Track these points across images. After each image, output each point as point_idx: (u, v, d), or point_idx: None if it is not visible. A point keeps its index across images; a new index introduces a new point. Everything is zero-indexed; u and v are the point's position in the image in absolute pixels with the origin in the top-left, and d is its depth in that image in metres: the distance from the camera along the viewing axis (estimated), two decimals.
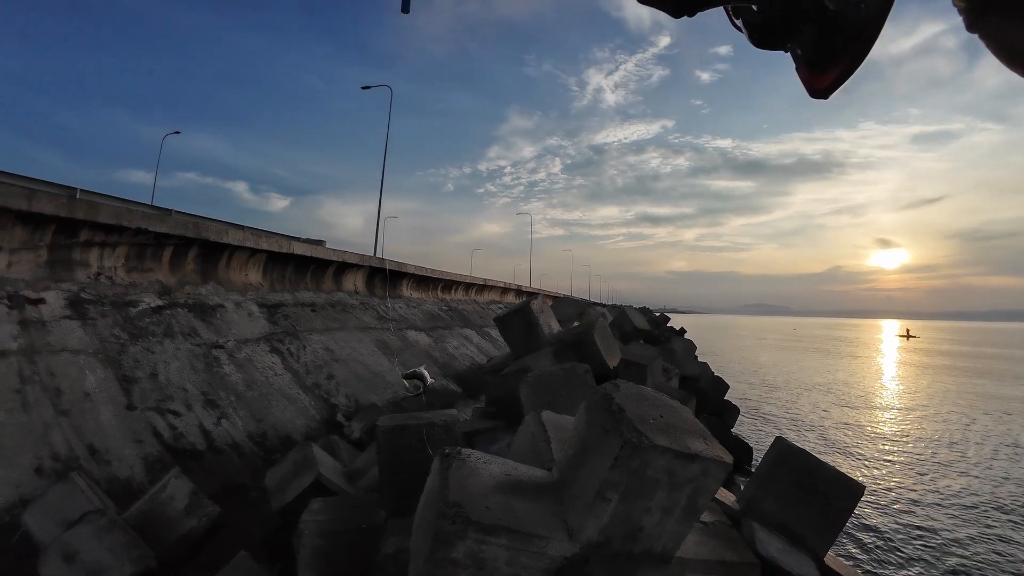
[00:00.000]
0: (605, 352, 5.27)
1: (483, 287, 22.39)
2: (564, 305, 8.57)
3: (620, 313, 8.74)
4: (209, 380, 6.60)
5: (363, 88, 22.99)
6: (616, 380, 2.31)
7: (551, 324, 5.68)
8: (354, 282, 13.00)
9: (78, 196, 11.08)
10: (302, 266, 11.05)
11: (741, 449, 9.55)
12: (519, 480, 2.15)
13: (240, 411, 6.39)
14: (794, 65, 0.84)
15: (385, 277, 14.05)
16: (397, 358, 10.65)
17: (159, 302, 7.39)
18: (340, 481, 3.86)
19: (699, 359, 18.24)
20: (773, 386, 22.66)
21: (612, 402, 2.04)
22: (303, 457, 4.07)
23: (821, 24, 0.77)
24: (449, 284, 18.82)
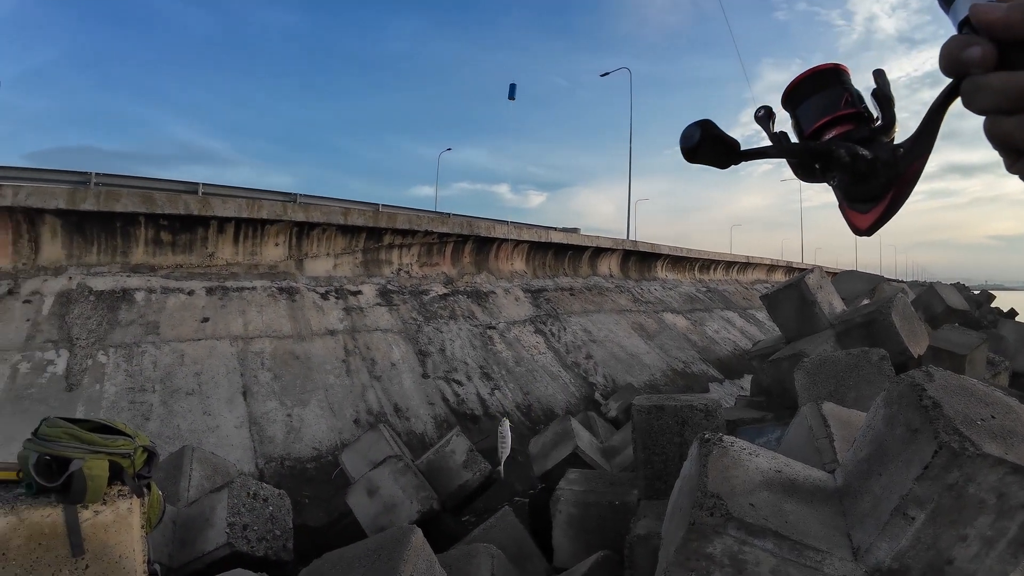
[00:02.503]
0: (907, 336, 4.29)
1: (746, 265, 20.56)
2: (849, 279, 7.29)
3: (927, 290, 7.04)
4: (485, 356, 7.44)
5: (602, 75, 23.04)
6: (928, 368, 1.82)
7: (832, 302, 4.86)
8: (608, 266, 13.21)
9: (380, 210, 13.57)
10: (560, 253, 11.65)
11: None
12: (792, 479, 1.86)
13: (510, 384, 7.05)
14: (837, 203, 0.80)
15: (638, 260, 13.95)
16: (654, 341, 10.49)
17: (444, 290, 8.60)
18: (596, 456, 3.95)
19: None
20: None
21: (924, 395, 1.60)
22: (563, 429, 4.28)
23: (856, 170, 0.73)
24: (707, 264, 17.77)
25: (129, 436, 1.55)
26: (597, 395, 7.63)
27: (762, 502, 1.69)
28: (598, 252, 12.67)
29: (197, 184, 11.86)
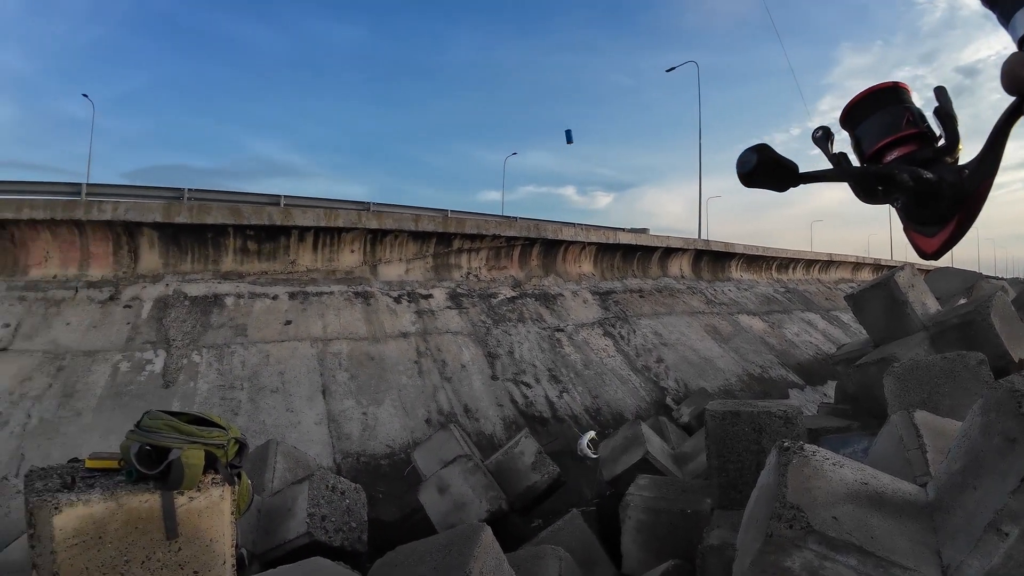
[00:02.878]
0: (1007, 339, 3.90)
1: (828, 263, 19.37)
2: (944, 277, 6.71)
3: None
4: (553, 359, 7.43)
5: (667, 71, 22.46)
6: None
7: (925, 302, 4.50)
8: (679, 266, 12.86)
9: (449, 215, 13.89)
10: (629, 254, 11.47)
11: None
12: (879, 492, 1.74)
13: (578, 387, 7.01)
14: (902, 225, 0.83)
15: (711, 259, 13.48)
16: (728, 344, 10.10)
17: (512, 293, 8.67)
18: (667, 462, 3.86)
19: None
20: None
21: (1023, 401, 1.47)
22: (633, 434, 4.21)
23: (920, 193, 0.72)
24: (785, 263, 16.91)
25: (223, 428, 1.68)
26: (668, 400, 7.44)
27: (846, 515, 1.60)
28: (668, 252, 12.36)
29: (279, 196, 12.64)
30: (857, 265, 21.46)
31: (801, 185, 0.79)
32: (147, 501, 1.58)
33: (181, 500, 1.58)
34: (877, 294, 4.60)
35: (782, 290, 15.34)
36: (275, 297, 6.76)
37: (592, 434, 3.92)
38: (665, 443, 4.49)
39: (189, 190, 11.55)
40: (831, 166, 0.85)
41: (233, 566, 1.69)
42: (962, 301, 5.21)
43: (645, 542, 2.73)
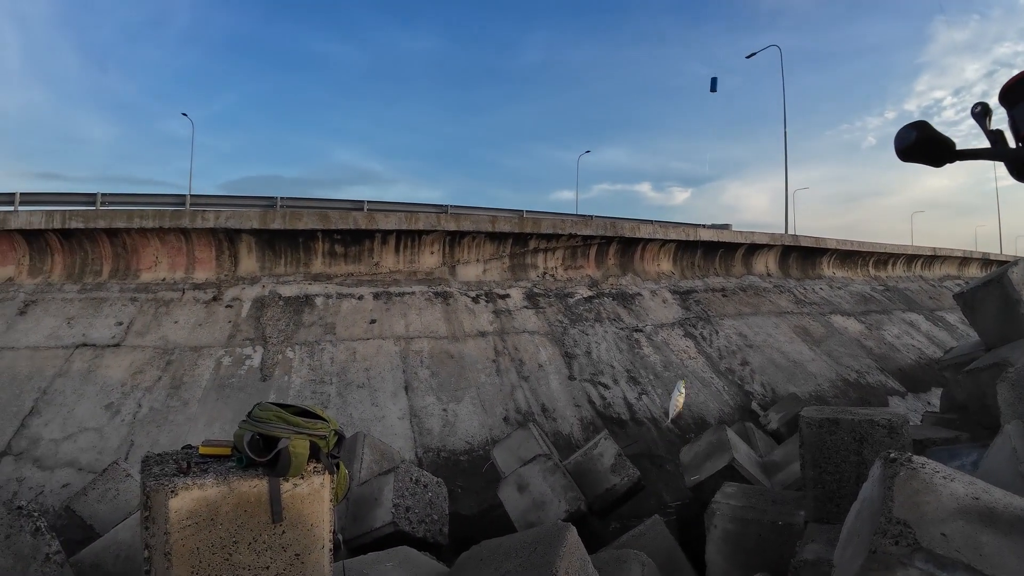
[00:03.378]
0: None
1: (931, 259, 17.74)
2: None
3: None
4: (631, 359, 7.32)
5: (747, 57, 21.33)
6: None
7: None
8: (765, 264, 12.26)
9: (524, 216, 13.98)
10: (710, 251, 11.07)
11: None
12: (991, 508, 1.60)
13: (658, 389, 6.86)
14: None
15: (799, 256, 12.75)
16: (820, 347, 9.52)
17: (589, 293, 8.61)
18: (754, 470, 3.70)
19: None
20: None
21: None
22: (718, 439, 4.07)
23: None
24: (883, 258, 15.68)
25: (326, 420, 1.80)
26: (754, 405, 7.12)
27: (955, 532, 1.48)
28: (752, 249, 11.82)
29: (363, 202, 13.24)
30: (964, 260, 19.53)
31: (958, 161, 0.80)
32: (256, 486, 1.71)
33: (286, 487, 1.70)
34: (989, 292, 4.18)
35: (880, 288, 14.24)
36: (360, 297, 7.09)
37: (682, 386, 3.62)
38: (752, 450, 4.30)
39: (281, 198, 12.35)
40: (987, 143, 0.83)
41: (330, 550, 1.81)
42: None
43: (731, 553, 2.64)
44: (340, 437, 1.85)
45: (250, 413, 1.85)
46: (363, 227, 7.45)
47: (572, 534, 1.73)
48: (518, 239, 8.37)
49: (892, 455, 1.73)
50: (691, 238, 10.49)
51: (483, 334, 6.92)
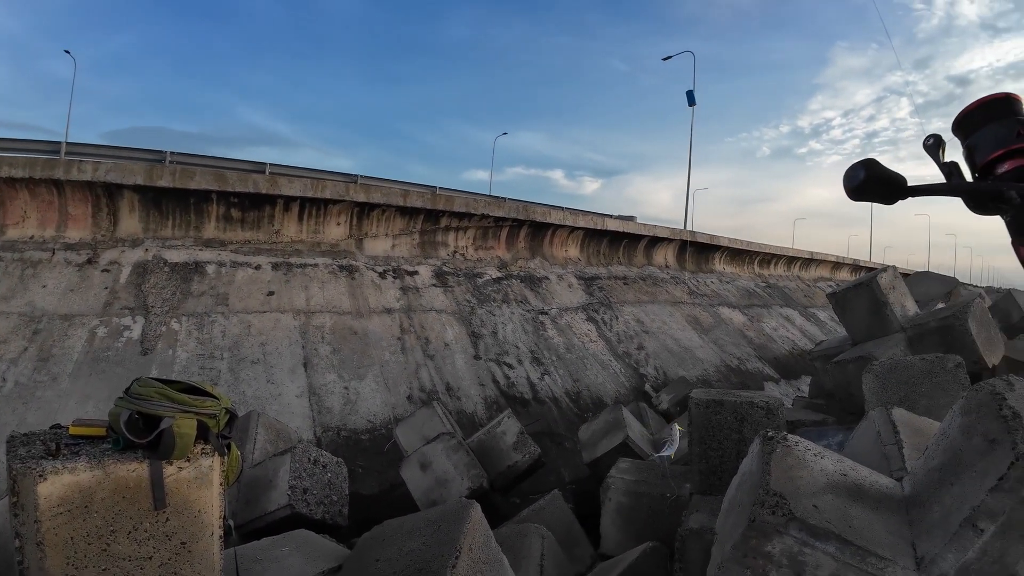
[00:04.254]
0: (983, 345, 4.03)
1: (809, 261, 19.68)
2: (923, 281, 6.87)
3: (1004, 297, 6.54)
4: (536, 341, 7.47)
5: (664, 59, 22.32)
6: (1008, 376, 1.72)
7: (905, 304, 4.61)
8: (664, 256, 12.95)
9: (438, 192, 13.75)
10: (615, 241, 11.51)
11: None
12: (858, 484, 1.80)
13: (560, 370, 7.07)
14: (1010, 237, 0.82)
15: (695, 251, 13.60)
16: (709, 335, 10.25)
17: (498, 274, 8.66)
18: (646, 447, 3.93)
19: None
20: None
21: (1004, 404, 1.52)
22: (614, 418, 4.27)
23: None
24: (767, 258, 17.13)
25: (216, 398, 1.66)
26: (647, 387, 7.55)
27: (826, 504, 1.65)
28: (654, 242, 12.43)
29: (264, 164, 12.36)
30: (837, 264, 21.84)
31: (910, 198, 0.81)
32: (135, 471, 1.55)
33: (170, 470, 1.56)
34: (860, 294, 4.69)
35: (763, 285, 15.56)
36: (258, 267, 6.66)
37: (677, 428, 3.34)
38: (645, 428, 4.56)
39: (172, 153, 11.21)
40: (941, 175, 0.87)
41: (220, 537, 1.69)
42: (940, 306, 5.34)
43: (624, 524, 2.79)
44: (232, 416, 1.72)
45: (128, 389, 1.66)
46: (264, 191, 6.97)
47: (476, 511, 1.74)
48: (430, 215, 8.22)
49: (770, 433, 1.88)
50: (599, 227, 10.85)
51: (389, 311, 6.76)
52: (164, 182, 6.50)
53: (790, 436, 1.91)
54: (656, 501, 2.78)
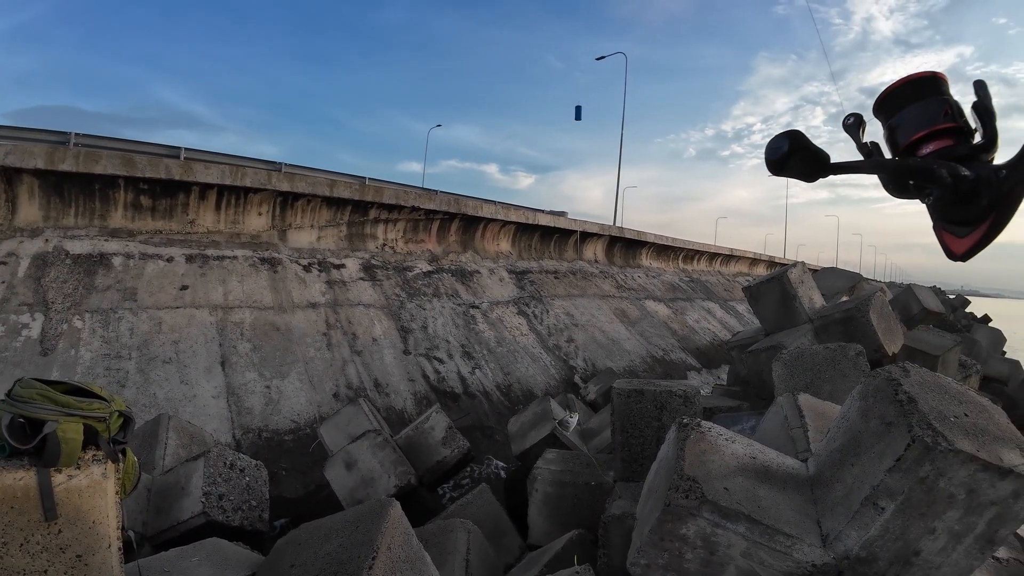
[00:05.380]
0: (883, 334, 4.38)
1: (729, 257, 20.77)
2: (830, 276, 7.40)
3: (904, 291, 7.16)
4: (467, 335, 7.44)
5: (597, 59, 22.88)
6: (904, 364, 1.86)
7: (812, 297, 4.94)
8: (594, 251, 13.25)
9: (367, 183, 13.40)
10: (546, 236, 11.64)
11: None
12: (766, 467, 1.89)
13: (491, 364, 7.08)
14: (931, 223, 0.76)
15: (624, 247, 14.00)
16: (635, 327, 10.58)
17: (429, 268, 8.55)
18: (574, 438, 4.00)
19: (1007, 356, 13.98)
20: None
21: (900, 389, 1.63)
22: (542, 410, 4.32)
23: (957, 191, 0.68)
24: (691, 254, 17.91)
25: (105, 400, 1.52)
26: (577, 378, 7.69)
27: (736, 487, 1.72)
28: (584, 237, 12.69)
29: (179, 148, 11.56)
30: (754, 260, 23.17)
31: (831, 176, 0.76)
32: (22, 479, 1.41)
33: (59, 478, 1.42)
34: (771, 288, 4.98)
35: (687, 279, 16.24)
36: (170, 259, 6.24)
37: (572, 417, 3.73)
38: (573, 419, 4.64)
39: (77, 135, 10.25)
40: (861, 157, 0.83)
41: (119, 549, 1.56)
42: (844, 299, 5.76)
43: (551, 514, 2.83)
44: (126, 419, 1.59)
45: (10, 391, 1.50)
46: (177, 177, 6.51)
47: (395, 509, 1.70)
48: (358, 207, 7.98)
49: (684, 420, 1.95)
50: (531, 222, 10.93)
51: (314, 305, 6.52)
52: (67, 166, 5.94)
53: (703, 423, 1.98)
54: (581, 490, 2.84)
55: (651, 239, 15.19)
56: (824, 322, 4.59)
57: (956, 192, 0.68)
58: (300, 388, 5.49)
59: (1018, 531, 2.23)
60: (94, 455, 1.49)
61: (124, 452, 1.58)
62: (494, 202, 15.16)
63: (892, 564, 1.58)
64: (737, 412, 3.91)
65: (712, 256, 19.50)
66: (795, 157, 0.70)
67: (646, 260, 15.31)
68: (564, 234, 12.06)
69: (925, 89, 0.76)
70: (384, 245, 8.33)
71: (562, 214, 16.22)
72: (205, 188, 6.73)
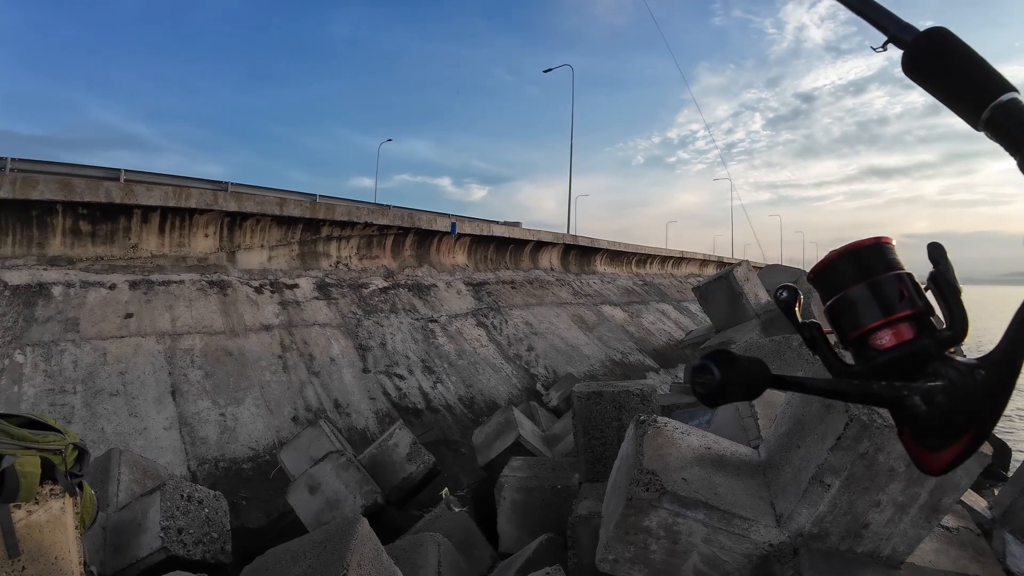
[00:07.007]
0: (825, 325, 4.65)
1: (680, 260, 21.40)
2: (773, 273, 7.76)
3: None
4: (427, 350, 7.41)
5: (545, 71, 23.37)
6: (840, 348, 1.99)
7: (758, 294, 5.18)
8: (549, 259, 13.42)
9: (318, 200, 13.20)
10: (502, 246, 11.73)
11: (997, 449, 7.60)
12: (721, 456, 2.00)
13: (452, 377, 7.07)
14: (897, 431, 0.62)
15: (578, 253, 14.24)
16: (593, 332, 10.76)
17: (385, 284, 8.48)
18: (538, 443, 4.05)
19: None
20: None
21: None
22: (505, 419, 4.36)
23: (934, 417, 0.57)
24: (644, 258, 18.36)
25: (59, 432, 1.48)
26: (539, 386, 7.77)
27: (694, 477, 1.81)
28: (539, 246, 12.84)
29: (119, 171, 11.11)
30: (704, 262, 23.94)
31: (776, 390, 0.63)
32: None
33: (19, 514, 1.37)
34: (719, 287, 5.20)
35: (640, 283, 16.63)
36: (113, 287, 5.99)
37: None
38: (536, 426, 4.70)
39: (13, 160, 9.73)
40: (798, 331, 0.71)
41: None
42: None
43: (520, 520, 2.86)
44: (82, 452, 1.55)
45: None
46: (118, 201, 6.26)
47: (363, 526, 1.70)
48: (310, 225, 7.85)
49: (642, 418, 2.03)
50: (485, 233, 11.00)
51: (268, 328, 6.37)
52: (3, 193, 5.63)
53: (660, 418, 2.07)
54: (548, 494, 2.89)
55: (604, 245, 15.51)
56: (769, 316, 4.82)
57: (932, 418, 0.58)
58: (257, 414, 5.35)
59: (965, 500, 2.42)
60: (51, 489, 1.45)
61: (81, 485, 1.54)
62: (448, 215, 15.15)
63: (844, 538, 1.69)
64: (694, 408, 4.06)
65: (664, 259, 20.05)
66: (731, 385, 0.59)
67: (601, 266, 15.60)
68: (519, 244, 12.18)
69: (872, 261, 0.63)
70: (338, 263, 8.23)
71: (516, 224, 16.37)
72: (148, 211, 6.51)
